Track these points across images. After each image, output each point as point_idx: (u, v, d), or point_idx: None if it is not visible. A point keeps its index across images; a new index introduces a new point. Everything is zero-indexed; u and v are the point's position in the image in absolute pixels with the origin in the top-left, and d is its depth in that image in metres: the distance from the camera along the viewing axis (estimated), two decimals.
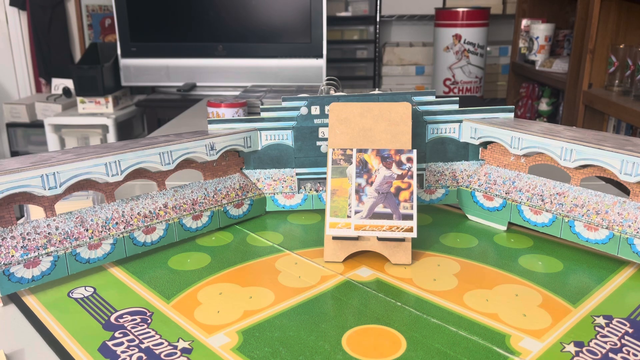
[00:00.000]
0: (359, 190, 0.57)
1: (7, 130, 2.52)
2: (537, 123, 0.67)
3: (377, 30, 2.80)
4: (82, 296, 0.52)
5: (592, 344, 0.44)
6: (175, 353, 0.43)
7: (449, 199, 0.70)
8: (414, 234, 0.55)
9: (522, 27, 2.41)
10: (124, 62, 2.25)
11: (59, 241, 0.53)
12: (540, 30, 2.23)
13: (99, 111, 2.27)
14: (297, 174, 0.71)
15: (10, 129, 2.52)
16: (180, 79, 2.25)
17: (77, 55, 2.86)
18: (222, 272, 0.57)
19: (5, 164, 0.53)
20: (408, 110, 0.60)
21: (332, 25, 2.87)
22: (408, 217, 0.55)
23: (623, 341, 0.44)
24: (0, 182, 0.50)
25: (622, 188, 0.78)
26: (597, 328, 0.46)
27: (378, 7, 2.77)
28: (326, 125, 0.69)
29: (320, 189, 0.71)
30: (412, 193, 0.56)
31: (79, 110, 2.27)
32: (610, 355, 0.42)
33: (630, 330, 0.45)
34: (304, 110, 0.69)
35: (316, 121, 0.69)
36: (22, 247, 0.51)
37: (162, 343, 0.44)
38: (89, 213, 0.57)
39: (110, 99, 2.26)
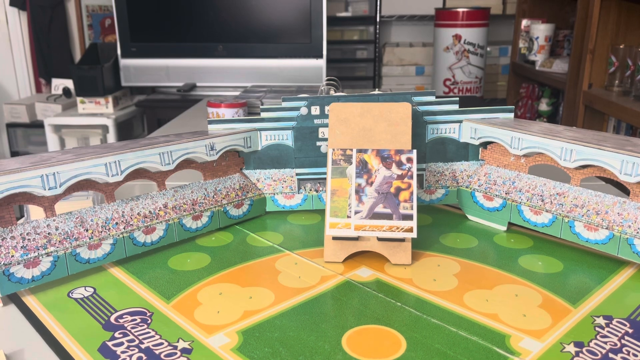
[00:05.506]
0: (359, 191, 0.57)
1: (7, 130, 2.52)
2: (537, 123, 0.68)
3: (377, 31, 2.80)
4: (82, 296, 0.52)
5: (592, 344, 0.44)
6: (175, 353, 0.43)
7: (449, 199, 0.70)
8: (414, 234, 0.55)
9: (522, 27, 2.41)
10: (124, 62, 2.25)
11: (59, 241, 0.53)
12: (540, 30, 2.23)
13: (99, 111, 2.27)
14: (297, 174, 0.71)
15: (10, 129, 2.52)
16: (180, 79, 2.25)
17: (77, 56, 2.86)
18: (222, 272, 0.57)
19: (5, 164, 0.53)
20: (408, 110, 0.60)
21: (332, 26, 2.87)
22: (408, 217, 0.55)
23: (623, 341, 0.44)
24: (0, 182, 0.50)
25: (622, 188, 0.78)
26: (597, 328, 0.46)
27: (378, 7, 2.77)
28: (326, 126, 0.69)
29: (320, 189, 0.71)
30: (412, 193, 0.56)
31: (79, 110, 2.27)
32: (610, 355, 0.42)
33: (630, 331, 0.45)
34: (304, 111, 0.69)
35: (316, 121, 0.69)
36: (22, 247, 0.51)
37: (162, 343, 0.44)
38: (89, 213, 0.57)
39: (110, 99, 2.26)
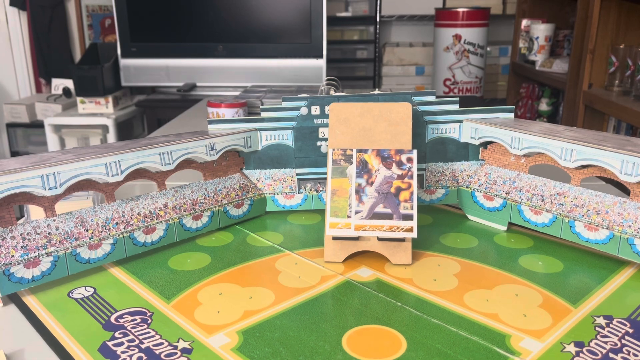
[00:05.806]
0: (359, 191, 0.57)
1: (7, 130, 2.52)
2: (537, 123, 0.68)
3: (377, 31, 2.80)
4: (82, 296, 0.52)
5: (592, 344, 0.44)
6: (176, 353, 0.43)
7: (449, 199, 0.70)
8: (414, 234, 0.55)
9: (522, 27, 2.41)
10: (124, 62, 2.25)
11: (59, 241, 0.53)
12: (540, 30, 2.23)
13: (99, 111, 2.27)
14: (297, 174, 0.71)
15: (10, 129, 2.52)
16: (180, 79, 2.25)
17: (77, 55, 2.86)
18: (222, 272, 0.57)
19: (5, 164, 0.53)
20: (408, 110, 0.60)
21: (332, 26, 2.87)
22: (408, 217, 0.55)
23: (623, 341, 0.44)
24: (0, 182, 0.50)
25: (622, 188, 0.78)
26: (597, 328, 0.46)
27: (378, 7, 2.77)
28: (326, 126, 0.69)
29: (320, 189, 0.71)
30: (412, 193, 0.56)
31: (79, 110, 2.27)
32: (611, 355, 0.42)
33: (631, 331, 0.45)
34: (304, 111, 0.69)
35: (316, 121, 0.69)
36: (22, 247, 0.51)
37: (162, 343, 0.44)
38: (89, 213, 0.57)
39: (110, 99, 2.26)
